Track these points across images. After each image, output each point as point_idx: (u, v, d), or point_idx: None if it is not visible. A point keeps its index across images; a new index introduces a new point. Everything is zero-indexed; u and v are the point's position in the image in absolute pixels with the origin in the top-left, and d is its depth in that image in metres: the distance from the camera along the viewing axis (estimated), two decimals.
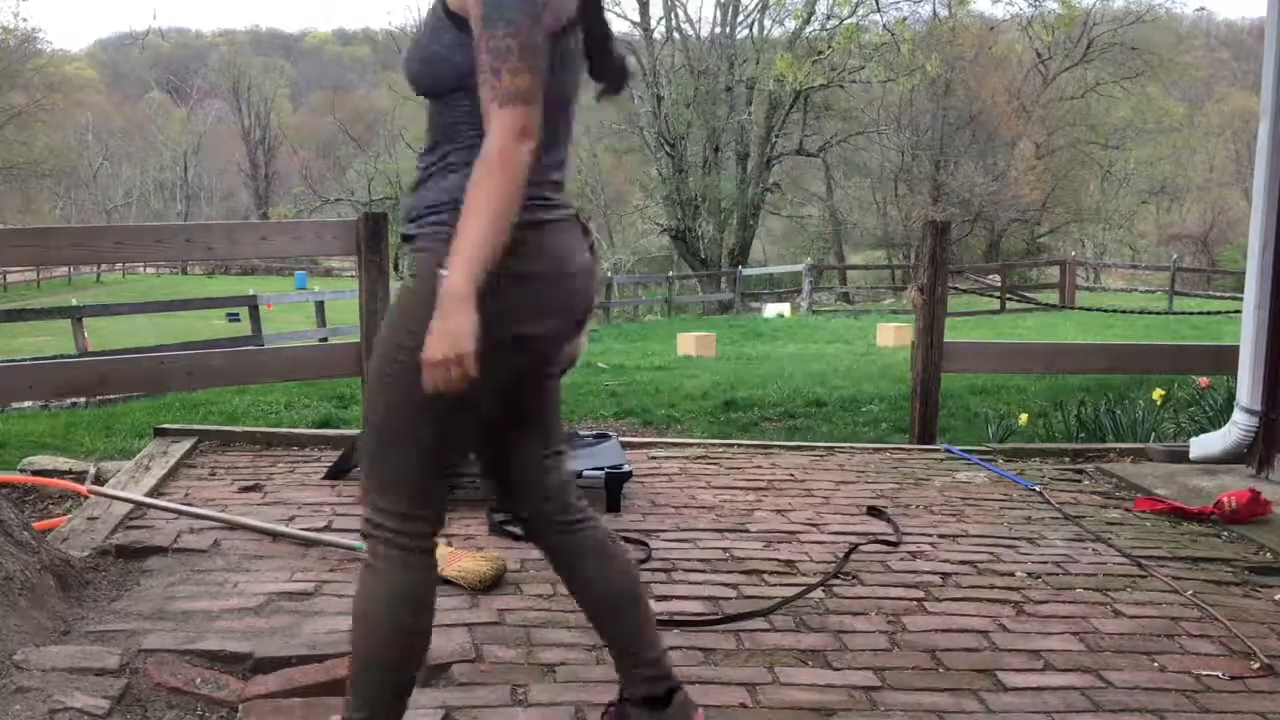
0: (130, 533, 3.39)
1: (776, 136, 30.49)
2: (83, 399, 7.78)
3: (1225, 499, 3.98)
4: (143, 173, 52.71)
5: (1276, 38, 4.52)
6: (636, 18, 30.18)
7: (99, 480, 4.25)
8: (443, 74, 1.88)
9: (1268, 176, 4.57)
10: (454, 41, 1.85)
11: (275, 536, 3.39)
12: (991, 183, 34.57)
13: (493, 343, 1.80)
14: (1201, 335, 11.93)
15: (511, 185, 1.78)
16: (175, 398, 7.34)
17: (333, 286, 29.07)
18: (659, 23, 30.32)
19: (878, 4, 25.73)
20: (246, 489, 3.98)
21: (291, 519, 3.57)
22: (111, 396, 7.90)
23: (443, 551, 3.12)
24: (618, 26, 32.19)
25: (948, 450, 5.12)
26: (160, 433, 4.75)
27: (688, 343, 14.11)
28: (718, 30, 30.74)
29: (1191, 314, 13.09)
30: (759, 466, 4.67)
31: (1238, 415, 4.72)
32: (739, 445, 5.16)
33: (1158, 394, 6.20)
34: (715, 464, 4.69)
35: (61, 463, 4.57)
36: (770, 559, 3.38)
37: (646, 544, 3.44)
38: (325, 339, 14.54)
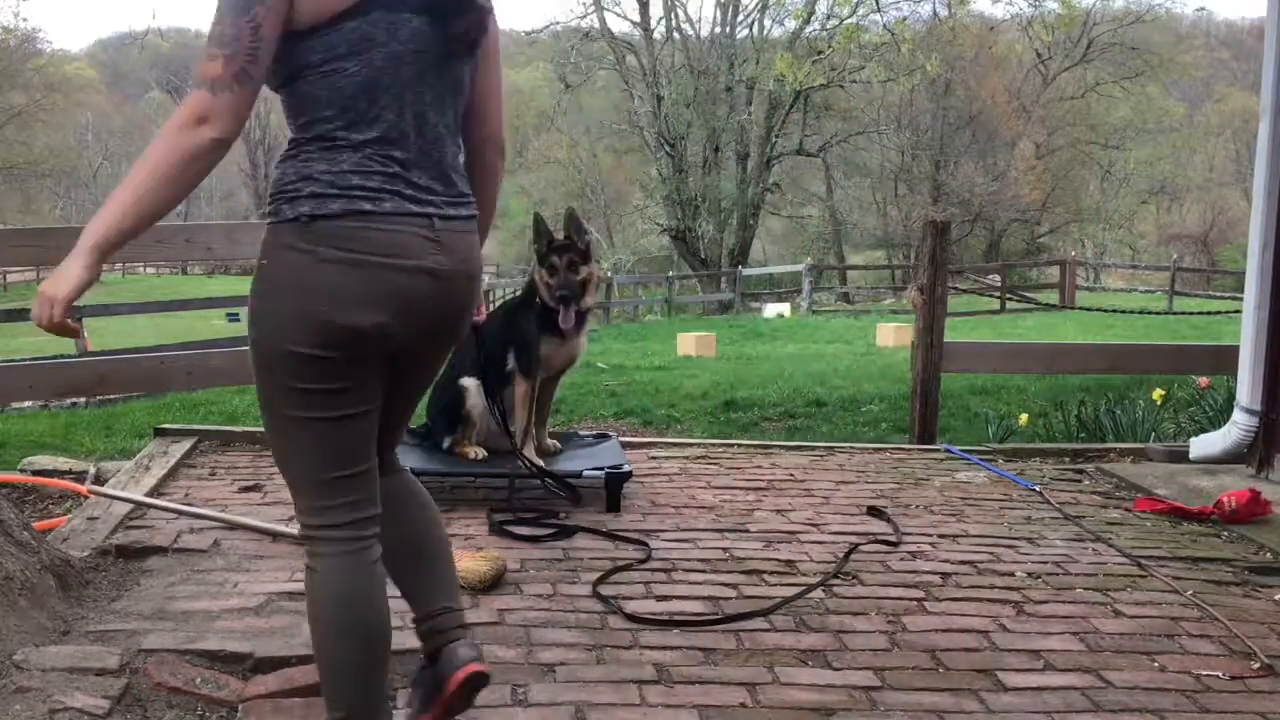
0: (130, 533, 3.39)
1: (776, 136, 30.46)
2: (83, 399, 7.78)
3: (1225, 499, 3.98)
4: None
5: (1276, 38, 4.52)
6: (636, 18, 30.23)
7: (99, 480, 4.25)
8: (268, 73, 1.92)
9: (1268, 176, 4.57)
10: None
11: (275, 536, 3.40)
12: (991, 183, 34.55)
13: (308, 340, 1.88)
14: (1201, 335, 11.92)
15: (171, 158, 1.81)
16: (175, 398, 7.34)
17: None
18: (659, 23, 30.36)
19: (878, 4, 25.72)
20: (246, 489, 3.98)
21: (291, 519, 3.56)
22: (111, 396, 7.89)
23: None
24: (618, 26, 32.30)
25: (948, 450, 5.12)
26: (160, 433, 4.75)
27: (688, 343, 14.10)
28: (718, 30, 30.73)
29: (1191, 314, 13.07)
30: (759, 466, 4.67)
31: (1238, 415, 4.72)
32: (739, 445, 5.17)
33: (1158, 394, 6.20)
34: (715, 464, 4.69)
35: (61, 463, 4.57)
36: (770, 559, 3.38)
37: (646, 544, 3.44)
38: None
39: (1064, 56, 36.27)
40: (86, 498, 3.85)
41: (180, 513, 3.58)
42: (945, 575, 3.28)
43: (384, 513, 2.08)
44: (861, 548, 3.49)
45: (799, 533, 3.67)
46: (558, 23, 31.25)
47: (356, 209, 1.90)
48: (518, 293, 4.29)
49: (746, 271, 27.06)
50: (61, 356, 10.87)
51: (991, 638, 2.81)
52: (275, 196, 1.94)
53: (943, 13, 29.11)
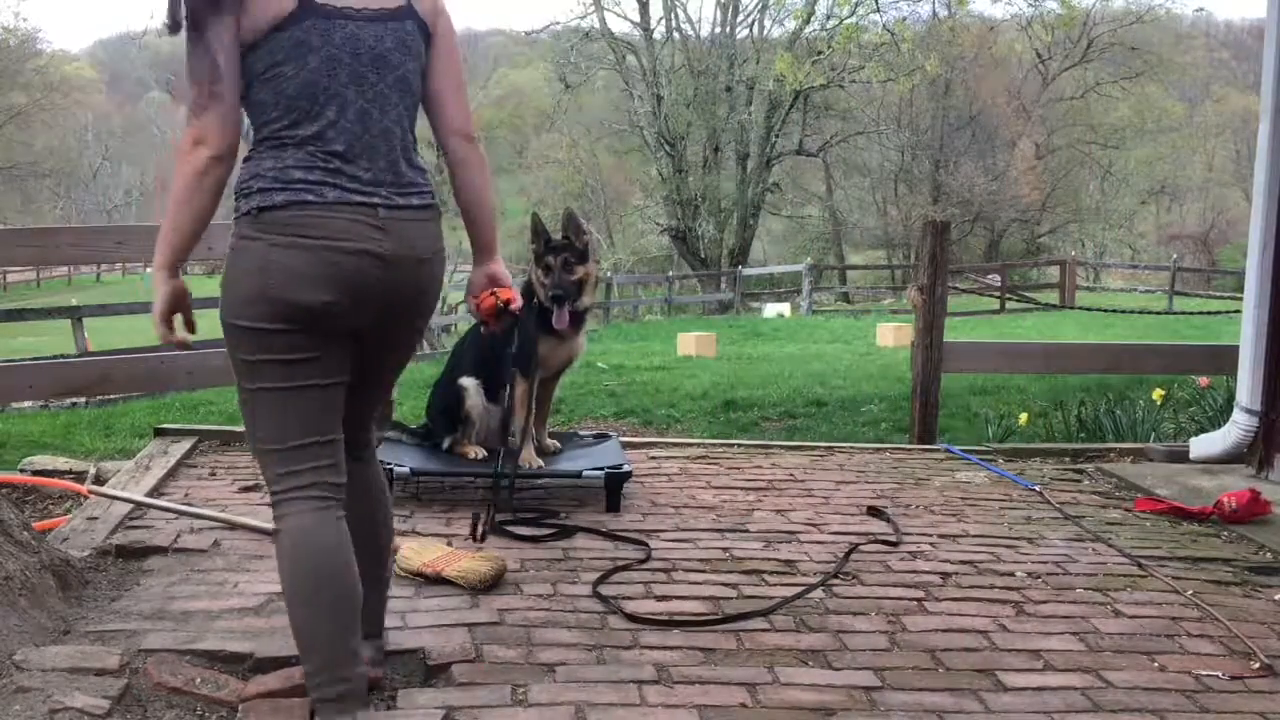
0: (130, 533, 3.39)
1: (776, 136, 30.44)
2: (83, 399, 7.78)
3: (1225, 499, 3.98)
4: (143, 173, 52.67)
5: (1276, 38, 4.52)
6: (636, 18, 30.20)
7: (99, 480, 4.25)
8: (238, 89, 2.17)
9: (1268, 176, 4.57)
10: None
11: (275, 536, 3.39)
12: (991, 183, 34.54)
13: (265, 319, 2.12)
14: (1201, 335, 11.92)
15: (182, 182, 2.12)
16: (175, 398, 7.35)
17: None
18: (659, 23, 30.32)
19: (878, 4, 25.68)
20: (246, 489, 3.98)
21: None
22: (111, 396, 7.90)
23: (443, 551, 3.13)
24: (618, 26, 32.29)
25: (948, 450, 5.12)
26: (160, 433, 4.75)
27: (688, 343, 14.10)
28: (718, 30, 30.71)
29: (1191, 314, 13.05)
30: (759, 466, 4.67)
31: (1238, 415, 4.72)
32: (739, 445, 5.17)
33: (1158, 394, 6.20)
34: (715, 464, 4.69)
35: (61, 463, 4.57)
36: (770, 559, 3.38)
37: (646, 544, 3.43)
38: None
39: (1064, 57, 36.26)
40: (86, 498, 3.85)
41: (180, 513, 3.58)
42: (945, 575, 3.28)
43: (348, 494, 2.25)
44: (861, 548, 3.49)
45: (799, 533, 3.67)
46: (558, 23, 31.29)
47: (299, 199, 2.13)
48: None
49: (746, 271, 27.05)
50: (61, 356, 10.87)
51: (991, 638, 2.81)
52: (236, 194, 2.19)
53: (942, 13, 29.13)
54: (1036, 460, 5.00)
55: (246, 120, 2.22)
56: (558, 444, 4.34)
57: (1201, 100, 42.25)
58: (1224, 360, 5.40)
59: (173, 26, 2.14)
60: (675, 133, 29.66)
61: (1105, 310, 14.48)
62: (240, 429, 4.97)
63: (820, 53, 27.58)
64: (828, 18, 28.19)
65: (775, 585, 3.13)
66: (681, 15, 30.88)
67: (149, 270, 2.28)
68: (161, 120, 56.57)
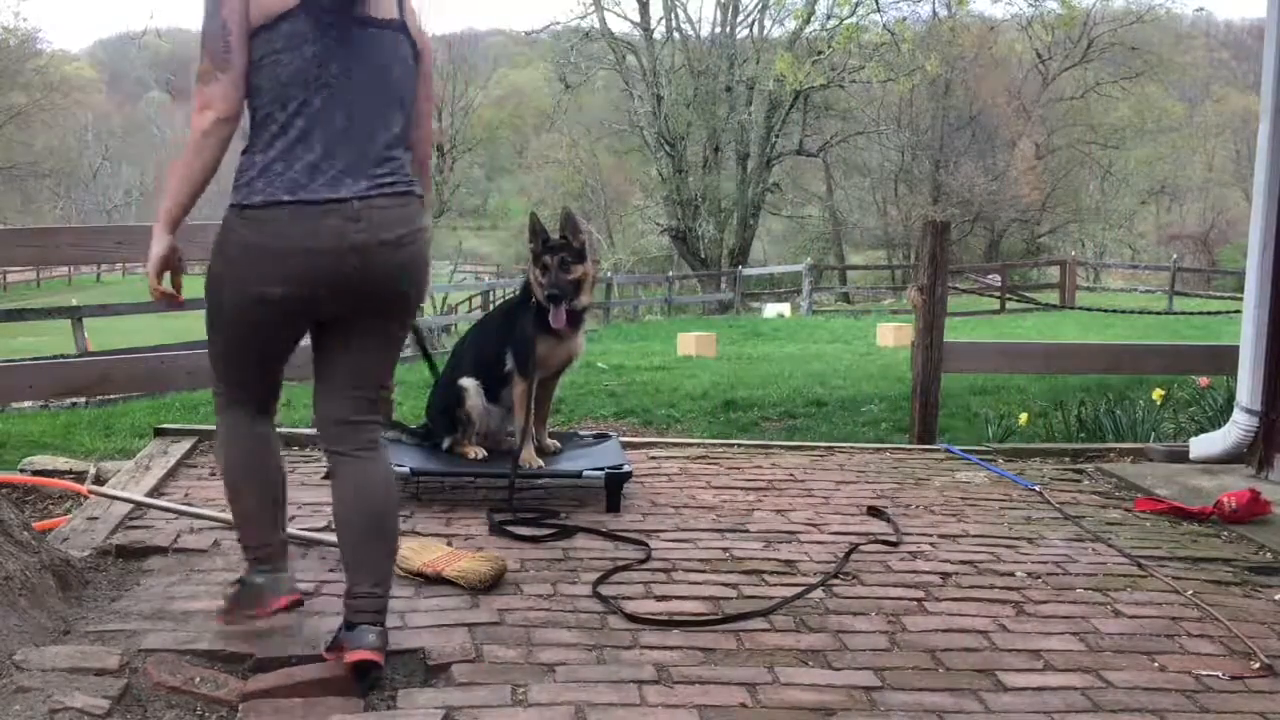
0: (130, 533, 3.39)
1: (776, 136, 30.43)
2: (83, 399, 7.78)
3: (1225, 499, 3.97)
4: (143, 173, 52.65)
5: (1276, 38, 4.52)
6: (636, 18, 30.19)
7: (99, 480, 4.25)
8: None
9: (1268, 176, 4.57)
10: None
11: None
12: (991, 183, 34.54)
13: (239, 297, 2.43)
14: (1201, 335, 11.92)
15: (191, 142, 2.37)
16: (175, 398, 7.34)
17: None
18: (659, 23, 30.31)
19: (878, 4, 25.63)
20: None
21: (291, 519, 3.54)
22: (111, 396, 7.90)
23: (443, 551, 3.13)
24: (618, 26, 32.28)
25: (948, 450, 5.12)
26: (160, 433, 4.75)
27: (688, 343, 14.10)
28: (718, 30, 30.71)
29: (1192, 314, 13.07)
30: (759, 466, 4.67)
31: (1238, 415, 4.72)
32: (739, 445, 5.16)
33: (1158, 394, 6.20)
34: (715, 464, 4.69)
35: (61, 463, 4.57)
36: (770, 559, 3.37)
37: (646, 544, 3.43)
38: None
39: (1064, 57, 36.27)
40: (86, 498, 3.85)
41: (180, 513, 3.58)
42: (945, 575, 3.28)
43: (342, 488, 2.53)
44: (861, 548, 3.49)
45: (799, 533, 3.67)
46: (558, 23, 31.26)
47: (275, 200, 2.35)
48: (517, 293, 4.29)
49: (746, 271, 27.05)
50: (61, 356, 10.87)
51: (991, 638, 2.81)
52: (233, 183, 2.43)
53: (942, 13, 29.11)
54: (1036, 460, 5.00)
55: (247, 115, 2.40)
56: (558, 444, 4.34)
57: (1201, 100, 42.25)
58: (1224, 360, 5.40)
59: None
60: (675, 133, 29.66)
61: (1105, 310, 14.50)
62: None
63: (820, 53, 27.57)
64: (828, 18, 28.18)
65: (775, 585, 3.13)
66: (681, 15, 30.90)
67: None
68: (161, 120, 56.55)
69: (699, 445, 5.16)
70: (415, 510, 3.79)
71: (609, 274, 24.40)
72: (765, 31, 30.85)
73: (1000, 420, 6.56)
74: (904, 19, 27.80)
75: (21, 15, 65.00)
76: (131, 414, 6.60)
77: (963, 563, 3.39)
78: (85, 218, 45.74)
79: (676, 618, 2.85)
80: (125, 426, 5.98)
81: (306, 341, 2.61)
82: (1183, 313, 14.14)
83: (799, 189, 36.93)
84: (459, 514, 3.75)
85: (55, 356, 10.95)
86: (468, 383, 4.09)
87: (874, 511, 3.94)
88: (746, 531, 3.66)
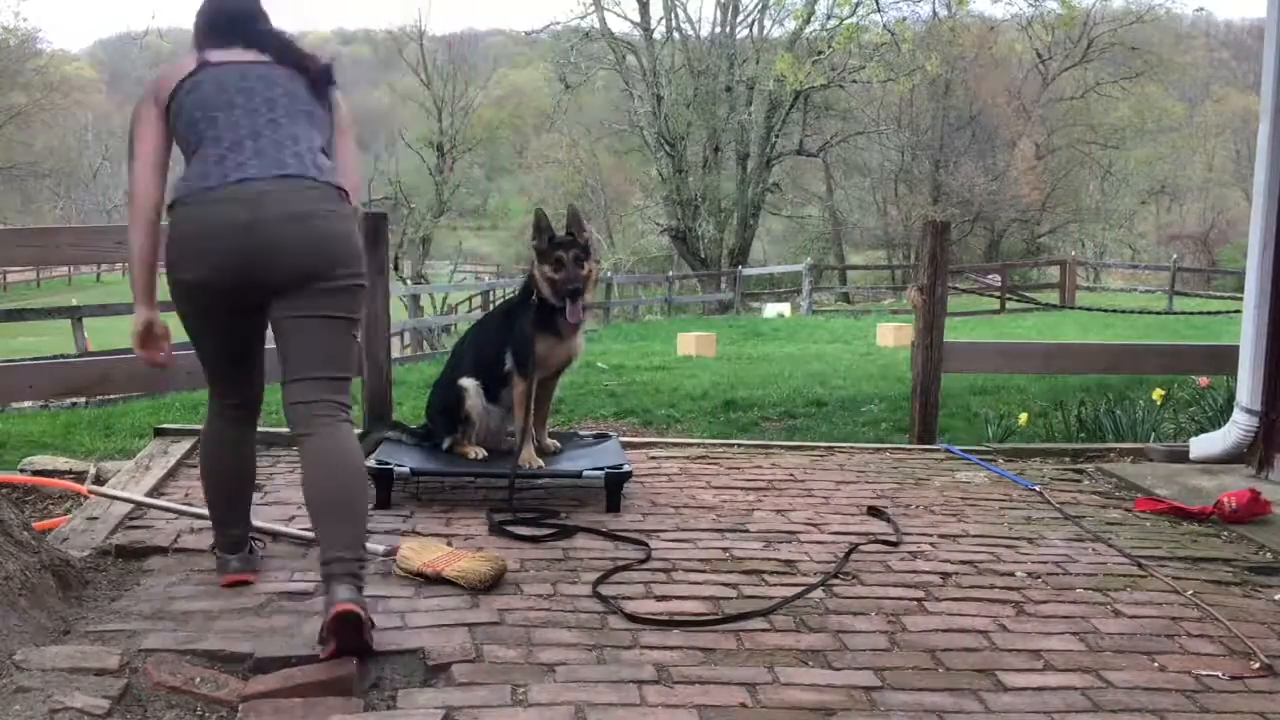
0: (130, 533, 3.40)
1: (776, 136, 30.42)
2: (83, 399, 7.78)
3: (1225, 499, 3.97)
4: None
5: (1276, 38, 4.52)
6: (636, 18, 30.18)
7: (99, 480, 4.26)
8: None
9: (1268, 176, 4.57)
10: None
11: (275, 536, 3.39)
12: (991, 183, 34.53)
13: (174, 288, 2.75)
14: (1201, 335, 11.93)
15: (132, 188, 2.79)
16: (175, 398, 7.35)
17: None
18: (659, 23, 30.30)
19: (878, 4, 25.65)
20: None
21: (291, 519, 3.57)
22: (111, 396, 7.90)
23: (443, 551, 3.13)
24: (618, 26, 32.25)
25: (948, 450, 5.12)
26: (160, 433, 4.75)
27: (688, 343, 14.10)
28: (718, 30, 30.69)
29: (1191, 314, 13.08)
30: (759, 466, 4.67)
31: (1238, 415, 4.72)
32: (739, 445, 5.17)
33: (1158, 394, 6.20)
34: (715, 464, 4.69)
35: (61, 463, 4.57)
36: (770, 559, 3.37)
37: (646, 544, 3.43)
38: None
39: (1064, 57, 36.26)
40: (86, 498, 3.85)
41: (180, 513, 3.58)
42: (945, 575, 3.28)
43: (307, 463, 2.70)
44: (861, 548, 3.49)
45: (799, 533, 3.67)
46: (558, 23, 31.23)
47: (183, 199, 2.71)
48: (516, 292, 4.29)
49: (746, 271, 27.06)
50: (61, 356, 10.88)
51: (991, 638, 2.81)
52: None
53: (942, 13, 29.12)
54: (1036, 460, 5.00)
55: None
56: (558, 444, 4.34)
57: (1201, 100, 42.24)
58: (1224, 360, 5.40)
59: None
60: (675, 133, 29.65)
61: (1105, 310, 14.52)
62: None
63: (820, 53, 27.57)
64: (828, 18, 28.20)
65: (775, 585, 3.13)
66: (681, 15, 30.89)
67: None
68: None
69: (699, 445, 5.16)
70: (415, 510, 3.79)
71: (609, 274, 24.40)
72: (765, 31, 30.88)
73: (1000, 420, 6.56)
74: (904, 19, 27.85)
75: (21, 15, 64.93)
76: (131, 414, 6.61)
77: (963, 563, 3.39)
78: (85, 218, 45.69)
79: (676, 618, 2.85)
80: (125, 426, 5.98)
81: None
82: (1183, 313, 14.16)
83: (799, 189, 36.92)
84: (459, 514, 3.75)
85: (55, 356, 10.95)
86: (467, 383, 4.09)
87: (874, 511, 3.94)
88: (746, 531, 3.66)
